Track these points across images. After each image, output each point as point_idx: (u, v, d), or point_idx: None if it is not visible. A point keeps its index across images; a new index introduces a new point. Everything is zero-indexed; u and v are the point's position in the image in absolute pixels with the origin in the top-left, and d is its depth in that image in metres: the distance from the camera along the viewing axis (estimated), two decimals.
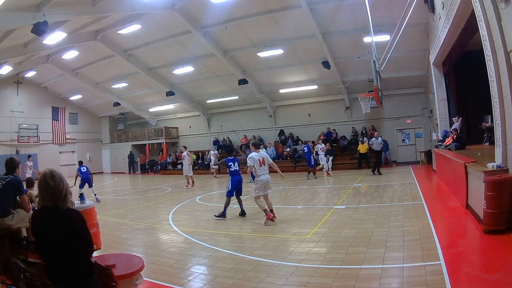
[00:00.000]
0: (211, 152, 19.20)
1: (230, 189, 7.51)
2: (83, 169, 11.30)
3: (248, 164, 6.85)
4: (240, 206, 7.57)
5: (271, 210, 6.73)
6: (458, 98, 12.24)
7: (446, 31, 8.80)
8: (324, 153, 14.96)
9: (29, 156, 16.43)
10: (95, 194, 11.51)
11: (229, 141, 22.15)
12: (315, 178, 13.90)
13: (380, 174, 13.38)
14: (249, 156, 6.87)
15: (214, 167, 18.41)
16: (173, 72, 18.47)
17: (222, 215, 7.41)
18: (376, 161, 13.81)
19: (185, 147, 15.70)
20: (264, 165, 6.84)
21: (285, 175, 12.75)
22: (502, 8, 5.05)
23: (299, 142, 19.25)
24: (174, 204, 9.73)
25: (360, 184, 11.52)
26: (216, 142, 22.62)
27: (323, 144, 15.33)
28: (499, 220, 4.75)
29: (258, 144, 7.29)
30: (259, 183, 6.76)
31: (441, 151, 10.56)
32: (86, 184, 11.11)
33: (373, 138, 14.21)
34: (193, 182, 14.09)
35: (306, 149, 14.42)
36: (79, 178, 11.18)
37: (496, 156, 5.66)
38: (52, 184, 2.23)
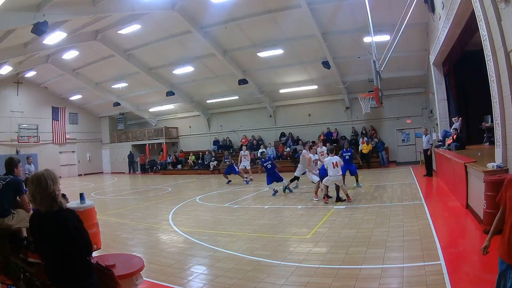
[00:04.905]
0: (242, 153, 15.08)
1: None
2: (269, 165, 10.69)
3: None
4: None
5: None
6: (458, 98, 12.23)
7: (446, 31, 8.79)
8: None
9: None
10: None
11: (229, 141, 22.17)
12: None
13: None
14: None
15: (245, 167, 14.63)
16: (173, 72, 18.46)
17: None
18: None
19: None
20: None
21: (285, 175, 12.69)
22: (502, 8, 5.05)
23: (299, 142, 19.26)
24: (174, 204, 9.73)
25: (360, 184, 11.50)
26: (216, 142, 22.62)
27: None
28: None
29: None
30: None
31: (441, 151, 10.56)
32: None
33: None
34: None
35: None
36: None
37: (496, 156, 5.66)
38: (34, 189, 2.22)
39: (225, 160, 16.54)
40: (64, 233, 2.18)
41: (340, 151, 10.69)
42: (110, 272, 2.45)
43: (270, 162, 10.86)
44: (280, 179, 10.58)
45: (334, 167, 8.22)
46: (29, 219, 2.41)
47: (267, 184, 10.58)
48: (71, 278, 2.23)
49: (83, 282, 2.25)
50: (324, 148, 10.79)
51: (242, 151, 15.08)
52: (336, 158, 8.50)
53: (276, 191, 10.32)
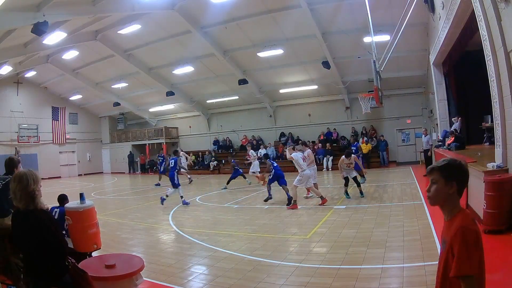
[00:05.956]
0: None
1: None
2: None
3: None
4: None
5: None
6: (458, 98, 12.24)
7: (446, 31, 8.79)
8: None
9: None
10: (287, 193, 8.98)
11: (229, 141, 22.17)
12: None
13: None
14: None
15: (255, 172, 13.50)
16: (173, 72, 18.46)
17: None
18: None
19: None
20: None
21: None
22: (502, 8, 5.05)
23: (299, 142, 19.24)
24: (174, 204, 9.72)
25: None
26: (216, 142, 22.62)
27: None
28: (499, 220, 4.75)
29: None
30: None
31: (441, 151, 10.56)
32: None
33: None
34: None
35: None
36: None
37: (496, 156, 5.66)
38: (15, 186, 2.29)
39: (166, 160, 16.54)
40: (36, 233, 2.24)
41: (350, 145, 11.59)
42: (84, 273, 2.47)
43: (174, 161, 9.81)
44: (174, 185, 9.35)
45: (303, 161, 8.64)
46: (11, 217, 2.47)
47: (175, 187, 9.38)
48: (42, 275, 2.29)
49: (54, 281, 2.30)
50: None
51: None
52: (301, 154, 8.92)
53: (185, 202, 9.32)
